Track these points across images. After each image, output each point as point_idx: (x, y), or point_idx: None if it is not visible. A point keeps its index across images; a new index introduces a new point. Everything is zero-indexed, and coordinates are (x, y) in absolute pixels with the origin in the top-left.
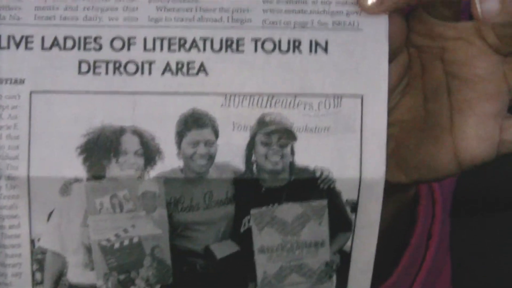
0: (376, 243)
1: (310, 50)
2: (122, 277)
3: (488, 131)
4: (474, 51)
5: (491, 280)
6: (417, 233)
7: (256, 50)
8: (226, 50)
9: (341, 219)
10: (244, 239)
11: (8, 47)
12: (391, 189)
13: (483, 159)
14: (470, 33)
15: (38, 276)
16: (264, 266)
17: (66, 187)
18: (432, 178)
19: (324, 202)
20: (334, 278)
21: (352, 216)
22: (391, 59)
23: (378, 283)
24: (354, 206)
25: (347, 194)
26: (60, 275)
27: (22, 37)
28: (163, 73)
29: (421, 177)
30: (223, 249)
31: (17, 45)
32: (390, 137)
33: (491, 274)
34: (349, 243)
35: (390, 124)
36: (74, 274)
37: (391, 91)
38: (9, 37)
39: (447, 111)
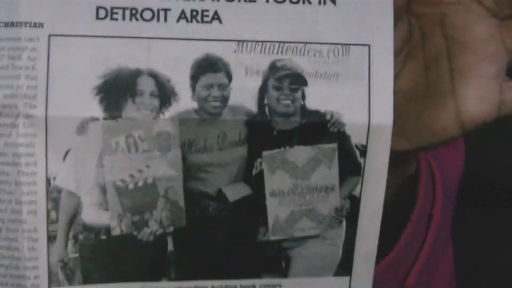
0: (385, 189)
1: (320, 2)
2: (135, 218)
3: (489, 92)
4: (472, 16)
5: (494, 271)
6: (417, 210)
7: (268, 0)
8: (239, 0)
9: (350, 163)
10: (256, 182)
11: None
12: (394, 161)
13: (485, 119)
14: None
15: (53, 214)
16: (275, 210)
17: (83, 126)
18: (436, 141)
19: (334, 145)
20: (344, 224)
21: (361, 160)
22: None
23: (379, 258)
24: (363, 151)
25: (356, 138)
26: (74, 215)
27: None
28: (178, 20)
29: (424, 142)
30: (236, 192)
31: None
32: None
33: (494, 266)
34: (358, 188)
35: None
36: (88, 214)
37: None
38: None
39: (448, 75)
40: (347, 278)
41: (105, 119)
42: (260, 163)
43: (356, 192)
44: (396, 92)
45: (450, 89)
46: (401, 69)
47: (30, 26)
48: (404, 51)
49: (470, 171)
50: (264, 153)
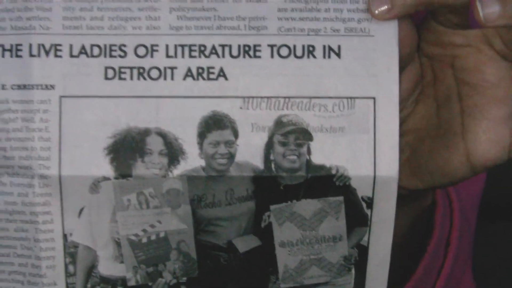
0: (392, 238)
1: (324, 55)
2: (150, 269)
3: (499, 135)
4: (483, 58)
5: None
6: (434, 240)
7: (272, 55)
8: (244, 56)
9: (357, 214)
10: (265, 234)
11: (39, 55)
12: (408, 197)
13: (495, 161)
14: (478, 40)
15: (71, 268)
16: (285, 259)
17: (95, 185)
18: (447, 182)
19: (341, 198)
20: (353, 271)
21: (368, 212)
22: (403, 67)
23: None
24: (370, 202)
25: (362, 190)
26: (91, 268)
27: (51, 46)
28: (184, 78)
29: (436, 182)
30: (246, 244)
31: (47, 53)
32: (405, 145)
33: None
34: (366, 237)
35: (405, 132)
36: (104, 267)
37: (405, 100)
38: (39, 45)
39: (459, 117)
40: None
41: (116, 178)
42: (268, 216)
43: (364, 242)
44: (409, 131)
45: (460, 131)
46: (414, 108)
47: (42, 88)
48: (417, 91)
49: (492, 186)
50: (272, 207)
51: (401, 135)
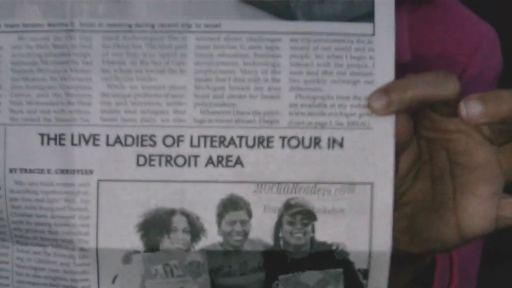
0: None
1: (328, 146)
2: None
3: (487, 210)
4: (473, 142)
5: None
6: None
7: (283, 146)
8: (258, 146)
9: (354, 284)
10: None
11: (80, 143)
12: (408, 259)
13: (483, 233)
14: (469, 127)
15: None
16: None
17: (127, 257)
18: (439, 250)
19: (340, 270)
20: None
21: (364, 281)
22: (402, 150)
23: None
24: (365, 273)
25: (359, 263)
26: None
27: (90, 136)
28: (206, 165)
29: (430, 249)
30: None
31: (87, 142)
32: (404, 215)
33: None
34: None
35: (404, 204)
36: None
37: (404, 176)
38: (80, 135)
39: (451, 193)
40: None
41: (145, 251)
42: (277, 284)
43: None
44: (408, 203)
45: (452, 206)
46: (413, 183)
47: (82, 173)
48: (415, 169)
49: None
50: (280, 277)
51: (401, 206)
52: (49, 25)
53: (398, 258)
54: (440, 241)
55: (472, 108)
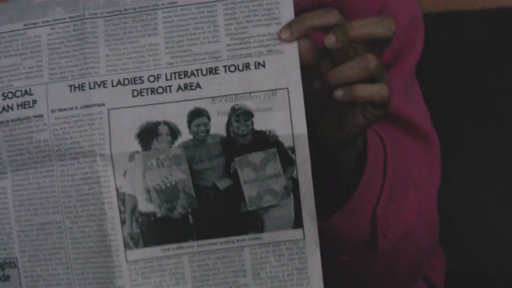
0: (311, 171)
1: (256, 67)
2: (168, 205)
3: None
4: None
5: None
6: (369, 160)
7: (226, 71)
8: (209, 74)
9: (287, 158)
10: (234, 176)
11: (94, 88)
12: (341, 142)
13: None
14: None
15: (122, 208)
16: (248, 192)
17: (131, 156)
18: (355, 132)
19: (275, 149)
20: (291, 196)
21: (293, 156)
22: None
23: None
24: (293, 150)
25: (287, 143)
26: (134, 207)
27: (101, 82)
28: (177, 90)
29: (351, 132)
30: (223, 183)
31: (99, 86)
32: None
33: None
34: (295, 173)
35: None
36: (142, 206)
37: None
38: (94, 83)
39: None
40: (300, 229)
41: (143, 151)
42: (234, 165)
43: (294, 175)
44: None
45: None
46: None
47: (97, 106)
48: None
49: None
50: (236, 158)
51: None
52: (70, 18)
53: (336, 145)
54: (354, 124)
55: (328, 37)
